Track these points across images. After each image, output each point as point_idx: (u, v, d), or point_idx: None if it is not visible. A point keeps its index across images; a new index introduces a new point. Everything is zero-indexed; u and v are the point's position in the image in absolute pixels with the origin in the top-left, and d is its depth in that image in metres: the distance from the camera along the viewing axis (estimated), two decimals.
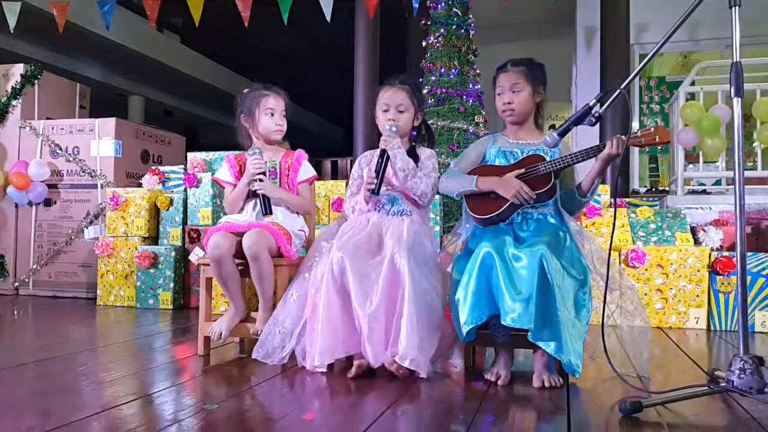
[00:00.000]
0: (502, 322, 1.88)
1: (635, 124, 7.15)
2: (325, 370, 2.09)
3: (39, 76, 4.85)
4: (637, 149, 7.07)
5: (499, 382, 1.98)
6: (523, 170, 2.13)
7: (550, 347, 1.88)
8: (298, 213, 2.57)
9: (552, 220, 2.15)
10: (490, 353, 2.44)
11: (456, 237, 2.34)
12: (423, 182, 2.29)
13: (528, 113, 2.26)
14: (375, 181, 2.25)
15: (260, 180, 2.44)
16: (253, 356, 2.20)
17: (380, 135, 2.42)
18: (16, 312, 3.85)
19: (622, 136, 2.01)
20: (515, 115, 2.25)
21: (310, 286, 2.17)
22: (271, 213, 2.43)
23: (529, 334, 1.87)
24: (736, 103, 1.70)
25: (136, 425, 1.55)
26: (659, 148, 7.30)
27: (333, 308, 2.08)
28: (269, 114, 2.54)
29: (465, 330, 1.94)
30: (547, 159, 2.14)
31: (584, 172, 2.15)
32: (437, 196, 3.69)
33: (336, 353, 2.09)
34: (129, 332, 3.14)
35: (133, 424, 1.55)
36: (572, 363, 1.88)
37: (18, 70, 4.82)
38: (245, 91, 2.61)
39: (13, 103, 4.76)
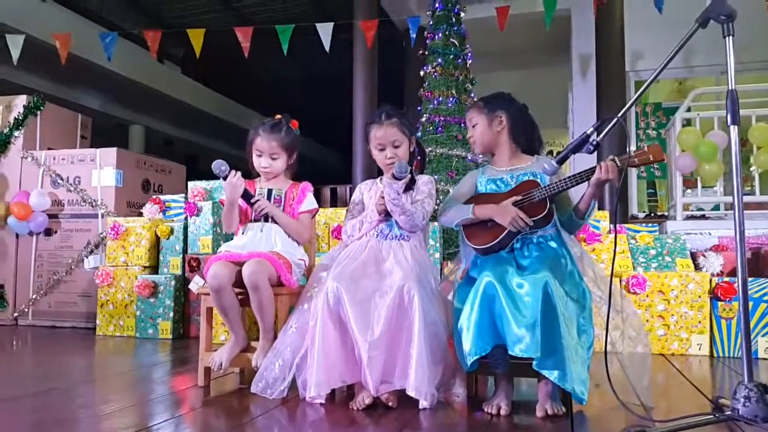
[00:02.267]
0: (510, 353, 1.87)
1: (633, 149, 7.18)
2: (322, 401, 2.07)
3: (41, 107, 4.89)
4: (634, 174, 7.11)
5: (501, 413, 1.96)
6: (519, 197, 2.14)
7: (554, 375, 1.86)
8: (298, 242, 2.57)
9: (553, 244, 2.15)
10: (492, 382, 2.42)
11: (457, 265, 2.34)
12: (416, 215, 2.29)
13: (493, 141, 2.31)
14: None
15: (259, 203, 2.46)
16: (252, 390, 2.18)
17: (379, 168, 2.44)
18: (15, 342, 3.83)
19: (615, 159, 2.02)
20: (478, 146, 2.35)
21: (310, 318, 2.16)
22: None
23: (534, 362, 1.86)
24: (733, 130, 1.72)
25: None
26: (656, 172, 7.34)
27: (329, 339, 2.07)
28: (257, 155, 2.57)
29: (469, 361, 1.93)
30: (540, 183, 2.16)
31: (579, 193, 2.16)
32: (436, 224, 3.70)
33: (332, 383, 2.08)
34: (128, 363, 3.12)
35: None
36: (576, 391, 1.86)
37: (21, 101, 4.86)
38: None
39: (16, 134, 4.79)
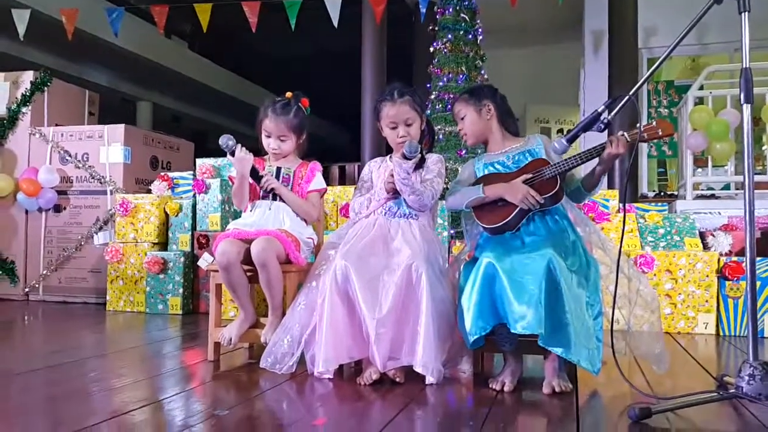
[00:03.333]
0: (512, 331, 1.88)
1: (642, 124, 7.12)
2: (330, 376, 2.10)
3: (48, 83, 4.88)
4: (645, 153, 7.05)
5: (505, 389, 1.98)
6: (530, 175, 2.13)
7: (559, 350, 1.88)
8: (306, 221, 2.57)
9: (556, 216, 2.15)
10: (499, 359, 2.44)
11: (469, 246, 2.35)
12: (425, 195, 2.29)
13: (484, 130, 2.31)
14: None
15: (267, 179, 2.48)
16: (261, 365, 2.21)
17: (389, 144, 2.43)
18: (26, 317, 3.88)
19: (625, 134, 2.01)
20: (470, 138, 2.34)
21: (318, 295, 2.17)
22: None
23: (539, 338, 1.87)
24: (746, 109, 1.70)
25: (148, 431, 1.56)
26: (667, 151, 7.28)
27: (337, 316, 2.09)
28: (266, 135, 2.56)
29: (470, 339, 1.95)
30: (548, 161, 2.15)
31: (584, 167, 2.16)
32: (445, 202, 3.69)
33: (340, 359, 2.11)
34: (139, 338, 3.16)
35: (144, 431, 1.56)
36: (582, 363, 1.88)
37: (28, 77, 4.86)
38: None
39: (23, 110, 4.80)
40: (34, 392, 1.98)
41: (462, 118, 2.32)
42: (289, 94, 2.57)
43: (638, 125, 1.98)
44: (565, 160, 2.08)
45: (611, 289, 1.95)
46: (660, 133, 1.97)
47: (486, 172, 2.27)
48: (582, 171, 2.21)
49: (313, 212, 2.59)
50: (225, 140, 2.44)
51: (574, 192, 2.19)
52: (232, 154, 2.44)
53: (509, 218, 2.12)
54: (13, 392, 1.99)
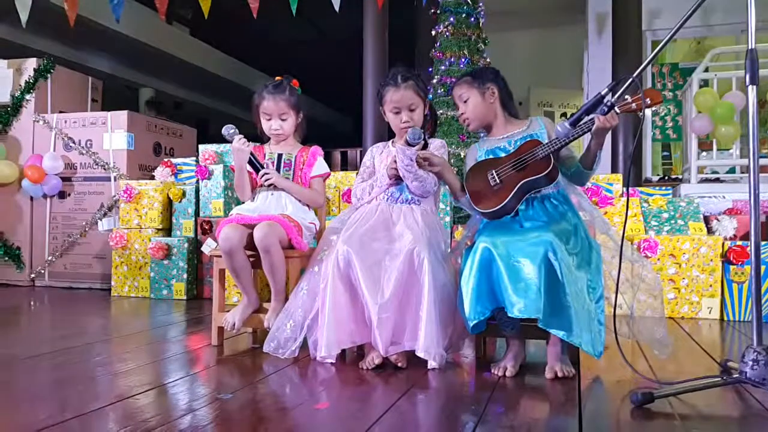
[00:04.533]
0: (509, 315, 1.88)
1: (647, 112, 7.09)
2: (333, 361, 2.11)
3: (52, 70, 4.87)
4: (649, 137, 7.01)
5: (507, 374, 1.99)
6: (522, 155, 2.11)
7: (561, 333, 1.88)
8: (308, 206, 2.57)
9: (555, 201, 2.14)
10: (501, 343, 2.44)
11: (469, 231, 2.35)
12: (427, 181, 2.28)
13: (487, 114, 2.29)
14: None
15: (267, 173, 2.47)
16: (264, 350, 2.22)
17: (391, 129, 2.42)
18: (32, 303, 3.90)
19: (614, 106, 1.98)
20: (473, 122, 2.31)
21: (320, 280, 2.17)
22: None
23: (539, 321, 1.87)
24: (751, 91, 1.68)
25: (152, 415, 1.57)
26: (671, 134, 7.23)
27: (339, 300, 2.10)
28: (266, 118, 2.56)
29: (470, 324, 1.96)
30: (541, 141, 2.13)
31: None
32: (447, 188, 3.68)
33: (342, 344, 2.12)
34: (143, 323, 3.18)
35: (148, 414, 1.57)
36: (584, 346, 1.88)
37: (31, 64, 4.85)
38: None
39: (27, 97, 4.79)
40: (39, 376, 2.00)
41: (465, 101, 2.29)
42: (278, 78, 2.58)
43: (626, 97, 1.95)
44: (556, 138, 2.06)
45: (614, 273, 1.95)
46: (649, 102, 1.94)
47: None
48: (576, 153, 2.19)
49: (319, 199, 2.60)
50: (226, 129, 2.50)
51: (575, 174, 2.17)
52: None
53: (506, 201, 2.10)
54: (19, 376, 2.00)
